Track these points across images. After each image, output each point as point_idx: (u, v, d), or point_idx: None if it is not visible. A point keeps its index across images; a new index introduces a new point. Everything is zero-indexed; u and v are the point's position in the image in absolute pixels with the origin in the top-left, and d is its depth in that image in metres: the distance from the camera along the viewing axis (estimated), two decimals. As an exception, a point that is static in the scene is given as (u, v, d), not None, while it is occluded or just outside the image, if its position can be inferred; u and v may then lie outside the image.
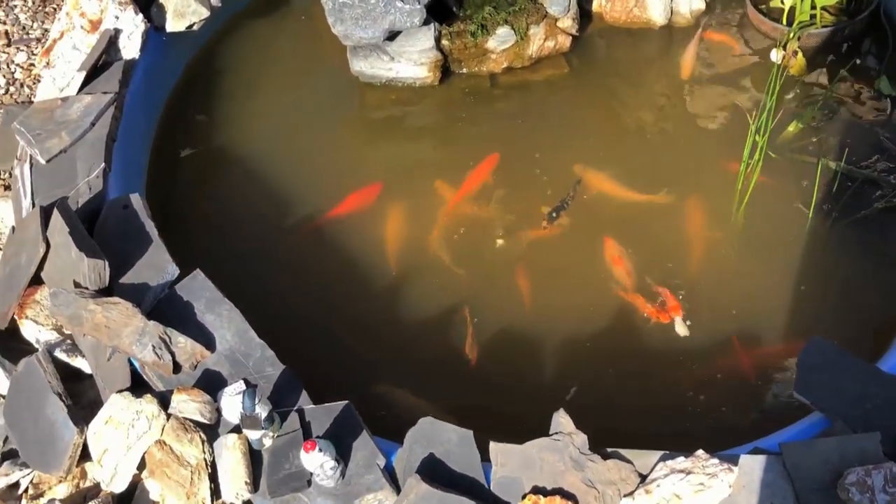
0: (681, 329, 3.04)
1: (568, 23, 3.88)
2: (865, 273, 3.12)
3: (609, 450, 2.34)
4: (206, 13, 3.83)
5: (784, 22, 3.78)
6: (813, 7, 3.71)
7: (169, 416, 2.51)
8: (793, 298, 3.10)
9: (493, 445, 2.36)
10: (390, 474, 2.38)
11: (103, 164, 3.22)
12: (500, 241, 3.37)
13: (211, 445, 2.48)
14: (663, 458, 2.29)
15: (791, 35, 3.62)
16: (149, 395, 2.55)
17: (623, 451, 2.33)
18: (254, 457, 2.44)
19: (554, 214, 3.39)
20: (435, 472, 2.35)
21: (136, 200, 3.02)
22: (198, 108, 4.01)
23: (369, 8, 3.55)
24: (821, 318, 3.03)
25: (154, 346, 2.58)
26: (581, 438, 2.34)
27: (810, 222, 3.25)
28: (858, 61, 3.77)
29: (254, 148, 3.82)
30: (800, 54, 3.65)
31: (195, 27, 3.86)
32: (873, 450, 2.25)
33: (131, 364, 2.68)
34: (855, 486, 2.15)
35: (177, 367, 2.63)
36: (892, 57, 3.73)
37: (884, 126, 3.54)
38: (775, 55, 3.65)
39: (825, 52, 3.82)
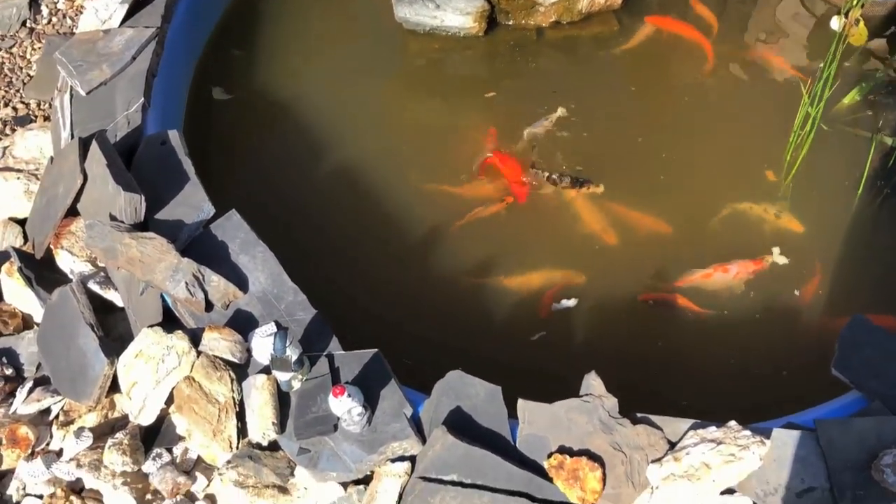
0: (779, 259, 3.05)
1: (621, -21, 3.77)
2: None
3: (639, 415, 2.31)
4: (250, -48, 3.77)
5: (847, -11, 3.64)
6: (879, -26, 3.56)
7: (199, 353, 2.52)
8: (836, 275, 3.02)
9: (521, 403, 2.34)
10: (416, 424, 2.37)
11: (143, 99, 3.19)
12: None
13: (240, 385, 2.49)
14: (694, 427, 2.26)
15: (854, 2, 3.47)
16: (180, 332, 2.56)
17: (653, 417, 2.30)
18: (282, 398, 2.45)
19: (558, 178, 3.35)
20: (461, 425, 2.34)
21: (175, 137, 3.00)
22: (239, 47, 3.96)
23: (418, -47, 3.47)
24: (865, 296, 2.95)
25: (187, 283, 2.58)
26: (611, 402, 2.31)
27: (859, 198, 3.16)
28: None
29: (293, 92, 3.77)
30: (861, 23, 3.49)
31: (239, -34, 3.79)
32: (911, 432, 2.20)
33: (163, 300, 2.68)
34: (891, 467, 2.11)
35: (209, 306, 2.63)
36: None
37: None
38: (836, 23, 3.50)
39: (888, 23, 3.67)
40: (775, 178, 3.29)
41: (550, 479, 2.23)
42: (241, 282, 2.66)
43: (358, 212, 3.36)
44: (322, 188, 3.45)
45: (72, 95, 3.28)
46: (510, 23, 3.88)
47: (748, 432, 2.20)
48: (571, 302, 3.06)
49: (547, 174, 3.33)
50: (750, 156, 3.38)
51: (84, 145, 2.94)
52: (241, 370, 2.52)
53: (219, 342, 2.51)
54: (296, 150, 3.59)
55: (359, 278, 3.17)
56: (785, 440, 2.23)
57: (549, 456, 2.26)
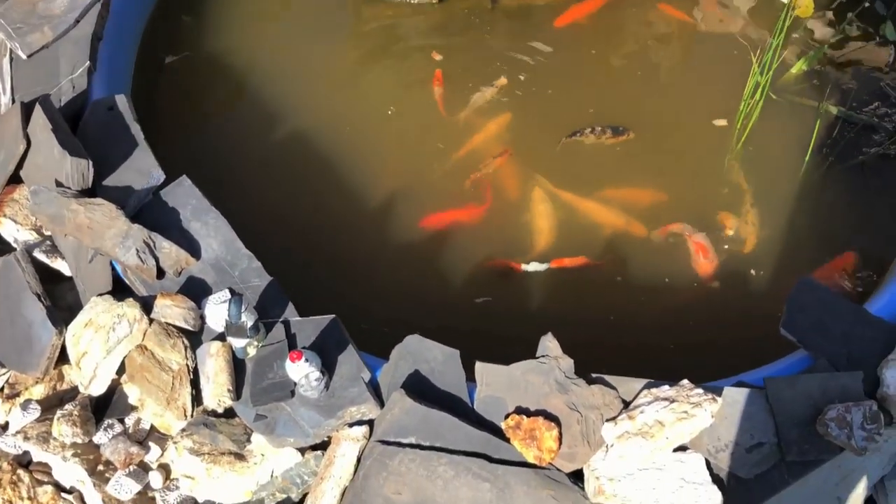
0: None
1: (577, -56, 3.77)
2: (859, 217, 3.12)
3: (594, 375, 2.34)
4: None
5: (795, -39, 3.70)
6: (825, -54, 3.63)
7: (151, 321, 2.47)
8: (785, 240, 3.09)
9: (478, 365, 2.35)
10: (375, 389, 2.37)
11: (88, 63, 3.10)
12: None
13: (194, 352, 2.45)
14: (648, 386, 2.30)
15: (801, -26, 3.54)
16: (131, 300, 2.50)
17: (608, 378, 2.33)
18: (237, 365, 2.42)
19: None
20: (420, 388, 2.35)
21: (122, 102, 2.92)
22: (187, 12, 3.86)
23: (370, -84, 3.41)
24: (813, 260, 3.03)
25: (138, 250, 2.52)
26: (567, 363, 2.34)
27: (807, 165, 3.23)
28: (868, 4, 3.70)
29: (244, 57, 3.70)
30: (808, -5, 3.58)
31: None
32: (855, 388, 2.27)
33: (113, 267, 2.62)
34: (834, 421, 2.18)
35: (160, 273, 2.58)
36: (899, 3, 3.67)
37: (886, 72, 3.50)
38: (783, -6, 3.57)
39: (834, -5, 3.76)
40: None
41: (508, 440, 2.26)
42: (193, 248, 2.61)
43: (311, 179, 3.33)
44: (274, 154, 3.40)
45: (12, 59, 3.16)
46: (465, -10, 3.86)
47: (700, 390, 2.24)
48: (543, 266, 3.08)
49: (589, 129, 3.36)
50: (703, 120, 3.43)
51: (26, 110, 2.84)
52: (194, 337, 2.48)
53: (171, 309, 2.46)
54: (247, 115, 3.53)
55: (314, 246, 3.14)
56: (735, 398, 2.28)
57: (507, 417, 2.28)
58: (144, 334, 2.45)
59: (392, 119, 3.49)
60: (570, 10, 3.79)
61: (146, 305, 2.51)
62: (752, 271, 3.04)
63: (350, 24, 3.87)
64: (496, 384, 2.33)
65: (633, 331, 2.94)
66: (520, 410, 2.29)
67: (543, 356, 2.36)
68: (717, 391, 2.28)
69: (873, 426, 2.17)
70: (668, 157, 3.34)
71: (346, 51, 3.78)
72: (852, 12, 3.64)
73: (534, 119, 3.46)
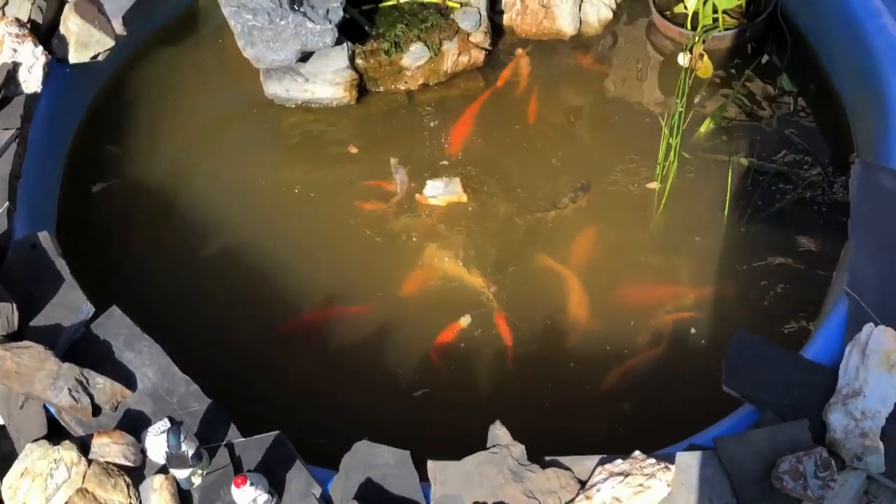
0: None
1: (480, 37, 3.91)
2: (782, 263, 3.20)
3: (547, 458, 2.33)
4: (110, 42, 3.71)
5: (688, 27, 3.89)
6: (715, 11, 3.83)
7: (90, 461, 2.39)
8: (715, 296, 3.16)
9: (430, 464, 2.32)
10: (327, 503, 2.31)
11: (7, 203, 3.07)
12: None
13: (137, 489, 2.36)
14: (601, 462, 2.29)
15: (696, 39, 3.72)
16: (67, 442, 2.42)
17: (561, 459, 2.32)
18: (183, 497, 2.34)
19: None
20: (374, 496, 2.29)
21: (45, 238, 2.88)
22: (109, 141, 3.87)
23: (279, 30, 3.50)
24: (743, 312, 3.09)
25: (70, 390, 2.46)
26: (519, 449, 2.32)
27: (727, 220, 3.33)
28: (765, 60, 3.90)
29: (170, 180, 3.71)
30: (706, 57, 3.75)
31: (100, 57, 3.72)
32: (803, 437, 2.29)
33: (47, 410, 2.54)
34: (788, 474, 2.19)
35: (96, 410, 2.51)
36: (791, 55, 3.87)
37: (789, 121, 3.67)
38: (682, 59, 3.74)
39: (731, 54, 3.95)
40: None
41: (469, 538, 2.21)
42: (128, 380, 2.56)
43: (247, 295, 3.31)
44: (206, 275, 3.39)
45: (-72, 207, 3.12)
46: (380, 89, 3.95)
47: (653, 460, 2.24)
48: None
49: (566, 199, 3.48)
50: (625, 185, 3.54)
51: (-55, 258, 2.79)
52: (137, 473, 2.40)
53: (110, 447, 2.39)
54: (178, 238, 3.52)
55: (252, 363, 3.12)
56: (689, 463, 2.28)
57: (465, 514, 2.24)
58: (84, 477, 2.36)
59: (324, 224, 3.52)
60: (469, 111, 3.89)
61: (84, 446, 2.42)
62: (693, 330, 3.09)
63: (274, 134, 3.92)
64: (450, 481, 2.29)
65: (582, 399, 2.96)
66: (477, 505, 2.25)
67: (494, 445, 2.34)
68: (670, 458, 2.28)
69: (826, 473, 2.18)
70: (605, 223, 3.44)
71: (273, 161, 3.82)
72: (748, 69, 3.83)
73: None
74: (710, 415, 2.56)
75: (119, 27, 3.74)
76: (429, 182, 3.50)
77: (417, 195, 3.52)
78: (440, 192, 3.48)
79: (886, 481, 2.28)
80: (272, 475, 2.28)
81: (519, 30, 4.14)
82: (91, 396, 2.49)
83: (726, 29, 3.87)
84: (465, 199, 3.51)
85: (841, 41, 3.60)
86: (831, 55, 3.73)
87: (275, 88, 3.86)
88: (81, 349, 2.64)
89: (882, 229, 2.73)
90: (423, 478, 2.32)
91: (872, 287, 2.59)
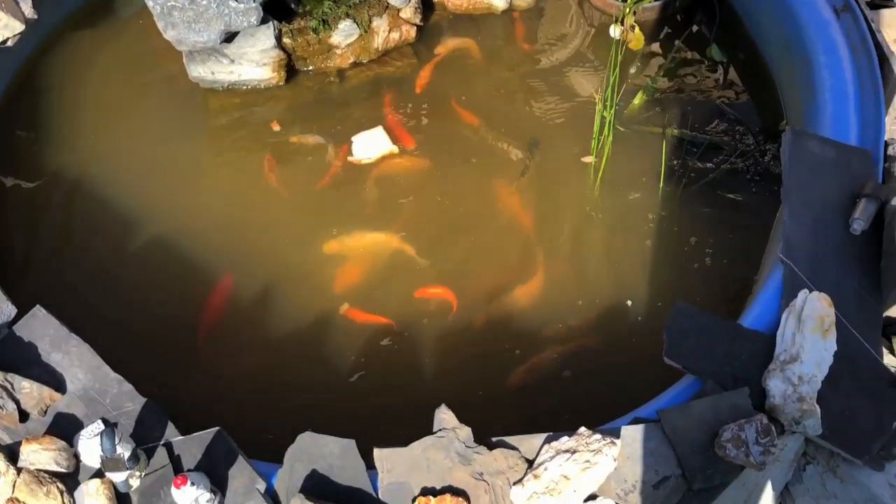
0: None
1: (410, 13, 3.83)
2: (718, 233, 3.24)
3: (494, 439, 2.31)
4: (20, 27, 3.50)
5: (619, -2, 3.89)
6: (644, -19, 3.83)
7: (20, 470, 2.28)
8: (653, 267, 3.18)
9: (377, 451, 2.28)
10: (273, 497, 2.25)
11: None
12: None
13: (72, 495, 2.27)
14: (548, 440, 2.28)
15: (626, 10, 3.71)
16: (-6, 451, 2.31)
17: (508, 439, 2.31)
18: (122, 500, 2.26)
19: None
20: (320, 487, 2.25)
21: (-42, 238, 2.73)
22: (23, 129, 3.68)
23: (201, 10, 3.36)
24: (681, 284, 3.12)
25: (-6, 396, 2.34)
26: (465, 432, 2.30)
27: (662, 192, 3.35)
28: (695, 30, 3.92)
29: (91, 169, 3.55)
30: (637, 29, 3.75)
31: (9, 43, 3.51)
32: (744, 404, 2.33)
33: (-30, 419, 2.41)
34: (730, 442, 2.22)
35: (24, 416, 2.39)
36: (720, 25, 3.90)
37: (720, 91, 3.71)
38: (614, 31, 3.73)
39: (661, 25, 3.96)
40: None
41: (419, 524, 2.19)
42: (57, 382, 2.44)
43: (175, 285, 3.21)
44: (133, 265, 3.27)
45: None
46: (310, 69, 3.85)
47: (598, 436, 2.25)
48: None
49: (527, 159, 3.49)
50: (561, 160, 3.52)
51: None
52: (71, 479, 2.30)
53: (40, 454, 2.28)
54: (101, 228, 3.37)
55: (186, 357, 3.02)
56: (634, 436, 2.30)
57: (413, 500, 2.21)
58: (14, 486, 2.25)
59: (250, 211, 3.43)
60: (422, 73, 3.85)
61: (12, 454, 2.31)
62: (629, 302, 3.11)
63: (199, 118, 3.78)
64: (398, 468, 2.26)
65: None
66: (426, 491, 2.22)
67: (441, 430, 2.31)
68: (616, 433, 2.29)
69: (767, 439, 2.22)
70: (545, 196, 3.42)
71: (199, 147, 3.69)
72: (678, 39, 3.84)
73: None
74: (652, 388, 2.59)
75: (29, 10, 3.54)
76: (354, 139, 3.50)
77: (349, 158, 3.51)
78: (367, 147, 3.49)
79: (823, 443, 2.33)
80: (215, 472, 2.21)
81: (450, 5, 4.08)
82: (17, 402, 2.38)
83: (656, 0, 3.87)
84: (396, 150, 3.53)
85: (768, 10, 3.64)
86: (759, 24, 3.77)
87: (199, 71, 3.72)
88: (5, 352, 2.51)
89: (813, 196, 2.77)
90: (371, 466, 2.29)
91: (806, 253, 2.63)
